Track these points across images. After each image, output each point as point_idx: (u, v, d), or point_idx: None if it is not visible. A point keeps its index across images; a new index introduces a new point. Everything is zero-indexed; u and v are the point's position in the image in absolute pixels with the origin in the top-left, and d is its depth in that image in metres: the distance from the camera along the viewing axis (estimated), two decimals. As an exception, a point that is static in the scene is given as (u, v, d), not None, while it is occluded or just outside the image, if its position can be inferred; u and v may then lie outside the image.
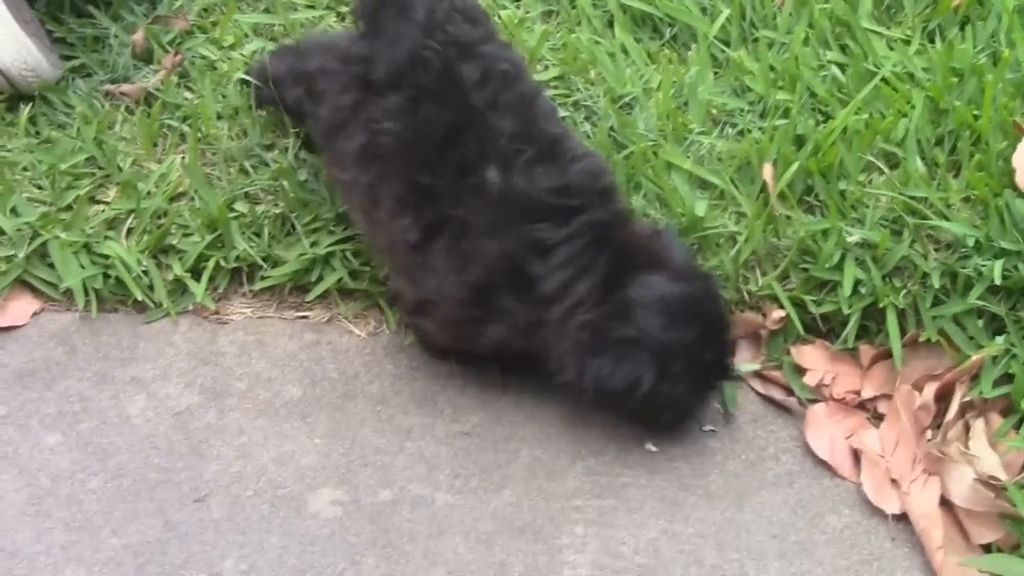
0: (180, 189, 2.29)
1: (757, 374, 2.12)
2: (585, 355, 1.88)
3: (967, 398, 2.00)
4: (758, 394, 2.11)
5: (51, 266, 2.21)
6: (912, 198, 2.12)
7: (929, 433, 2.00)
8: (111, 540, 1.92)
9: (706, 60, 2.42)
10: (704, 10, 2.52)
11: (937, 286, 2.04)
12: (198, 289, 2.20)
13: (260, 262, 2.21)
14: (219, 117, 2.38)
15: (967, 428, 1.99)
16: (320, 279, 2.21)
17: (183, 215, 2.24)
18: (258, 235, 2.23)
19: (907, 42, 2.44)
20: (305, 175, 2.27)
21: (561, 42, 2.48)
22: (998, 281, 1.99)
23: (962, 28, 2.45)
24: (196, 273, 2.22)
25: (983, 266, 2.02)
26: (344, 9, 2.57)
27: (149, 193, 2.27)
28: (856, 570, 1.90)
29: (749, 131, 2.29)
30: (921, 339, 2.05)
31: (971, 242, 2.04)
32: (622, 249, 1.91)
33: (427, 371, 2.13)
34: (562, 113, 2.33)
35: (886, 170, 2.19)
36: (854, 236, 2.08)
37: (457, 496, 1.98)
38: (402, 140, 1.92)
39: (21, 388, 2.11)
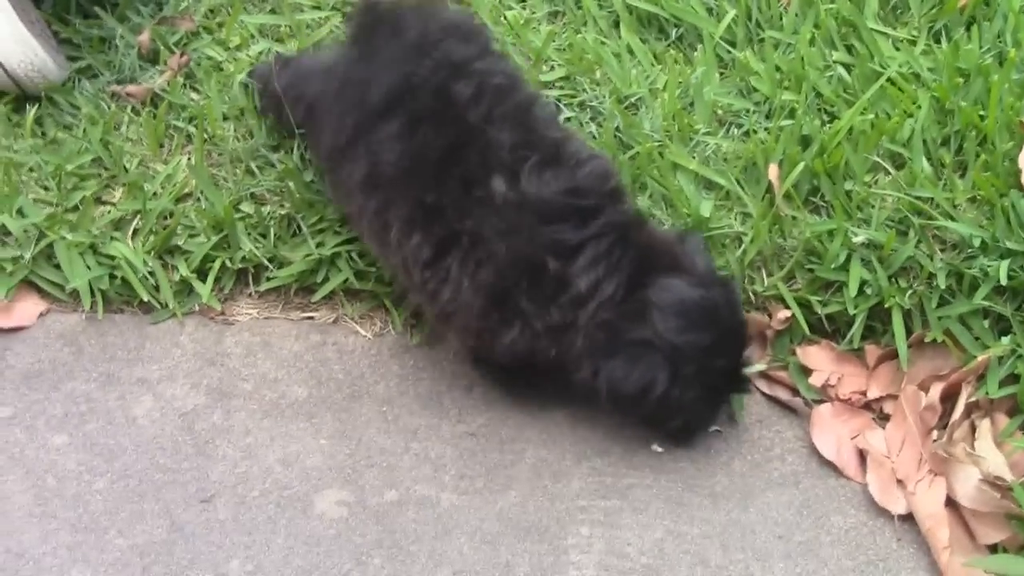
0: (186, 190, 2.29)
1: (763, 374, 2.12)
2: (599, 355, 1.88)
3: (973, 398, 2.00)
4: (764, 394, 2.11)
5: (57, 267, 2.21)
6: (918, 198, 2.12)
7: (935, 433, 2.00)
8: (117, 540, 1.93)
9: (712, 60, 2.42)
10: (710, 10, 2.52)
11: (943, 286, 2.04)
12: (204, 290, 2.20)
13: (266, 263, 2.22)
14: (225, 118, 2.38)
15: (973, 428, 1.99)
16: (326, 280, 2.22)
17: (189, 216, 2.25)
18: (264, 236, 2.23)
19: (913, 42, 2.44)
20: (311, 176, 2.27)
21: (567, 43, 2.48)
22: (1004, 281, 1.99)
23: (968, 28, 2.44)
24: (202, 274, 2.22)
25: (989, 266, 2.02)
26: (350, 11, 2.58)
27: (155, 194, 2.28)
28: (862, 570, 1.90)
29: (755, 131, 2.28)
30: (927, 339, 2.05)
31: (977, 242, 2.04)
32: (645, 251, 1.91)
33: (433, 372, 2.14)
34: (568, 114, 2.33)
35: (892, 170, 2.19)
36: (860, 236, 2.08)
37: (463, 497, 1.98)
38: (402, 166, 1.92)
39: (27, 389, 2.11)
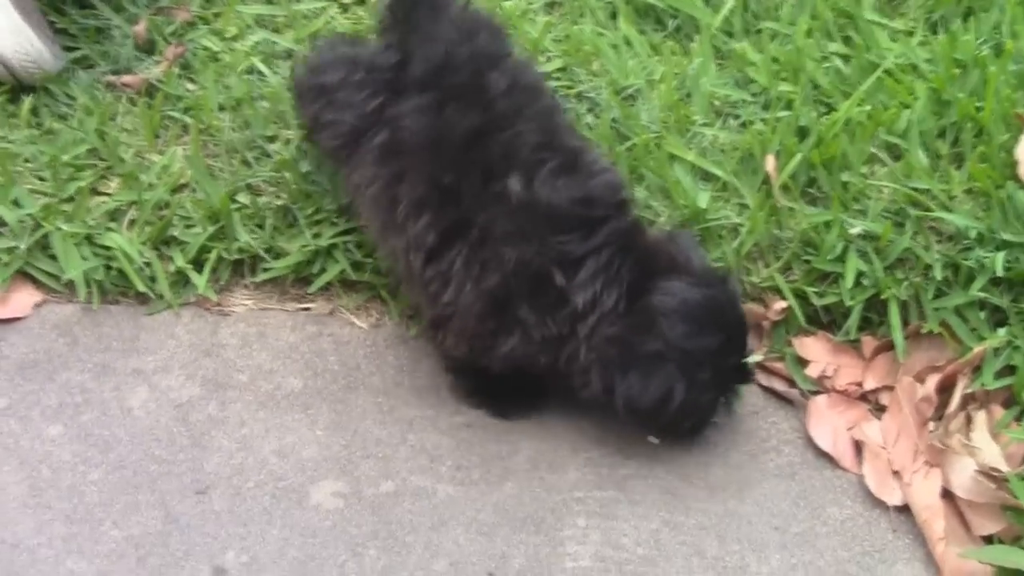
0: (182, 181, 2.29)
1: (759, 366, 2.11)
2: (613, 371, 1.87)
3: (969, 390, 2.00)
4: (760, 386, 2.11)
5: (53, 257, 2.21)
6: (915, 190, 2.12)
7: (931, 425, 2.00)
8: (112, 532, 1.93)
9: (709, 51, 2.42)
10: (707, 1, 2.52)
11: (939, 278, 2.04)
12: (200, 281, 2.20)
13: (262, 254, 2.21)
14: (221, 108, 2.38)
15: (969, 420, 1.99)
16: (322, 271, 2.21)
17: (185, 207, 2.25)
18: (260, 227, 2.23)
19: (910, 33, 2.44)
20: (308, 166, 2.27)
21: (564, 33, 2.48)
22: (1000, 273, 1.99)
23: (965, 19, 2.44)
24: (198, 265, 2.22)
25: (985, 258, 2.02)
26: (347, 0, 2.58)
27: (151, 184, 2.27)
28: (858, 561, 1.90)
29: (752, 123, 2.29)
30: (923, 331, 2.05)
31: (973, 234, 2.04)
32: (643, 256, 1.91)
33: (429, 363, 2.13)
34: (565, 105, 2.33)
35: (889, 162, 2.19)
36: (856, 228, 2.08)
37: (459, 488, 1.98)
38: (426, 136, 1.91)
39: (22, 380, 2.11)
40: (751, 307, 2.12)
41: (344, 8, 2.58)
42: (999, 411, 1.98)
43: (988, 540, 1.88)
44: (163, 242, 2.23)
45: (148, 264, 2.20)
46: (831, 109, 2.29)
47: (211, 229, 2.22)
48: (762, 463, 2.02)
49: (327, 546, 1.91)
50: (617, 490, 1.98)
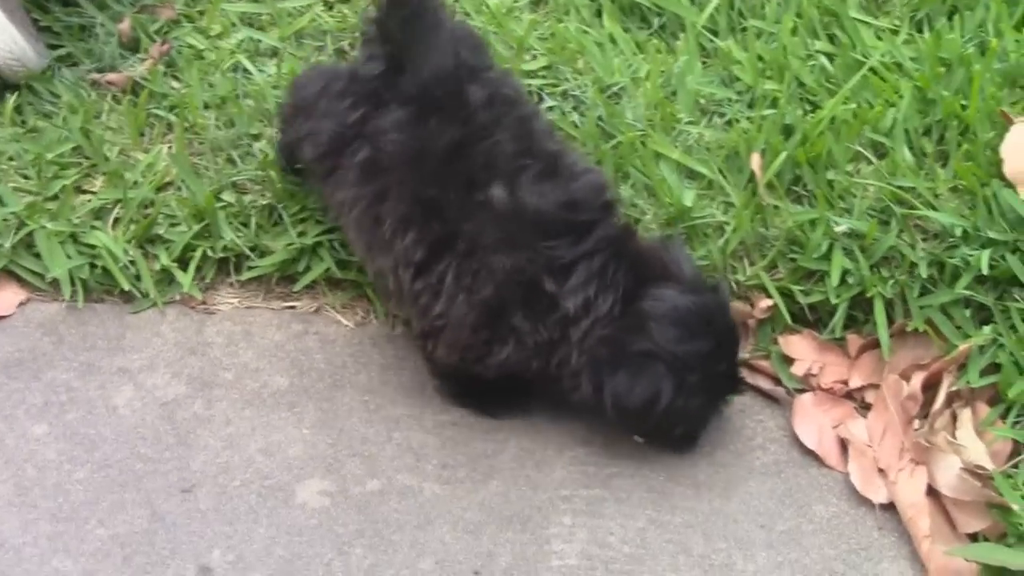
0: (167, 179, 2.28)
1: (745, 364, 2.12)
2: (601, 371, 1.87)
3: (954, 388, 2.00)
4: (745, 384, 2.11)
5: (37, 256, 2.21)
6: (900, 188, 2.12)
7: (916, 423, 2.00)
8: (98, 531, 1.92)
9: (694, 50, 2.42)
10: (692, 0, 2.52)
11: (924, 276, 2.04)
12: (185, 279, 2.20)
13: (247, 252, 2.21)
14: (206, 106, 2.38)
15: (954, 418, 1.99)
16: (307, 269, 2.21)
17: (170, 205, 2.24)
18: (245, 225, 2.23)
19: (895, 32, 2.44)
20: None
21: (549, 31, 2.48)
22: (985, 271, 2.00)
23: (950, 18, 2.44)
24: (183, 263, 2.22)
25: (970, 256, 2.02)
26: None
27: (136, 183, 2.27)
28: (843, 559, 1.90)
29: (737, 121, 2.29)
30: (908, 329, 2.05)
31: (958, 232, 2.05)
32: (636, 262, 1.91)
33: (415, 361, 2.13)
34: (550, 103, 2.33)
35: (874, 160, 2.19)
36: (842, 226, 2.08)
37: (445, 486, 1.98)
38: (408, 151, 1.91)
39: (7, 378, 2.10)
40: (737, 305, 2.12)
41: (329, 6, 2.57)
42: (984, 409, 1.99)
43: (973, 538, 1.88)
44: (148, 240, 2.23)
45: (133, 262, 2.20)
46: (816, 107, 2.29)
47: (196, 227, 2.21)
48: (748, 461, 2.02)
49: (313, 545, 1.91)
50: (603, 488, 1.98)
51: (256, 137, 2.33)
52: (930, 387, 2.02)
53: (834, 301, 2.07)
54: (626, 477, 1.99)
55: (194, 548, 1.91)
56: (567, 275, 1.85)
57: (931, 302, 2.04)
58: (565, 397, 1.95)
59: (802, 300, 2.10)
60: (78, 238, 2.21)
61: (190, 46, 2.50)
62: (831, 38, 2.43)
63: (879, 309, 2.06)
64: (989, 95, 2.21)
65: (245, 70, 2.44)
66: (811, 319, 2.13)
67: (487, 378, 2.00)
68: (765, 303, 2.11)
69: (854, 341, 2.09)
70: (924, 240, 2.09)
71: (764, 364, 2.12)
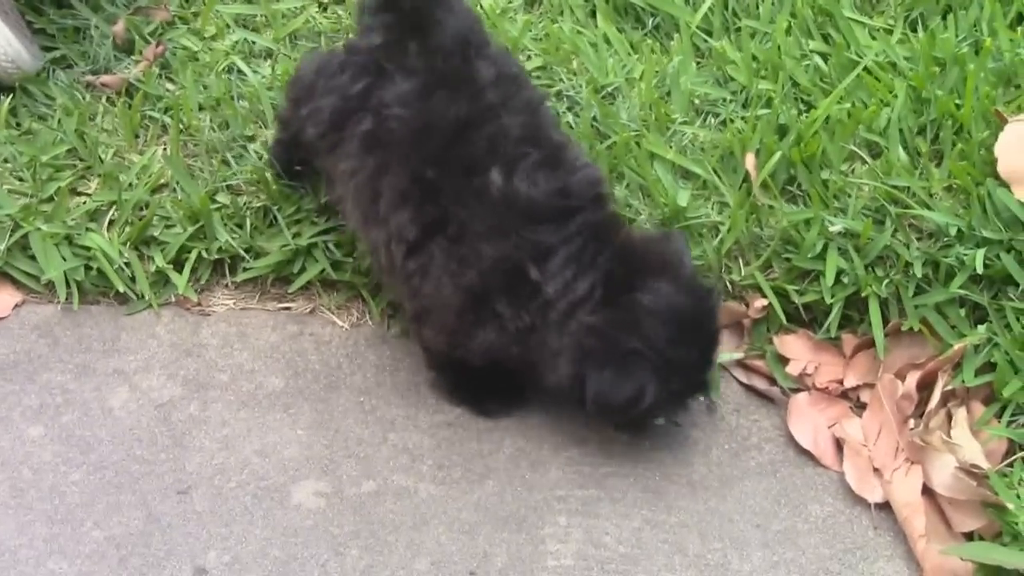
0: (162, 180, 2.28)
1: (740, 363, 2.12)
2: (588, 363, 1.86)
3: (949, 387, 2.00)
4: (741, 384, 2.11)
5: (32, 258, 2.20)
6: (894, 187, 2.12)
7: (911, 422, 2.00)
8: (93, 532, 1.92)
9: (689, 50, 2.42)
10: (686, 0, 2.52)
11: (919, 275, 2.04)
12: (180, 281, 2.20)
13: (242, 253, 2.21)
14: (201, 108, 2.38)
15: (949, 417, 1.99)
16: (302, 270, 2.21)
17: (165, 207, 2.24)
18: (240, 226, 2.23)
19: (889, 31, 2.44)
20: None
21: (543, 32, 2.48)
22: (980, 270, 2.00)
23: (944, 17, 2.44)
24: (178, 265, 2.22)
25: (965, 255, 2.03)
26: (326, 0, 2.57)
27: (131, 185, 2.27)
28: (839, 558, 1.91)
29: (732, 121, 2.29)
30: (903, 328, 2.05)
31: (953, 231, 2.05)
32: (627, 251, 1.90)
33: (410, 362, 2.13)
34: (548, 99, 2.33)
35: (868, 159, 2.20)
36: (836, 226, 2.08)
37: (440, 487, 1.98)
38: (412, 127, 1.90)
39: (3, 380, 2.10)
40: (732, 305, 2.13)
41: (323, 7, 2.57)
42: (979, 408, 1.99)
43: (969, 537, 1.88)
44: (143, 242, 2.22)
45: (128, 264, 2.20)
46: (811, 107, 2.29)
47: (191, 229, 2.21)
48: (743, 461, 2.02)
49: (309, 546, 1.91)
50: (599, 488, 1.98)
51: (251, 139, 2.33)
52: (925, 386, 2.02)
53: (829, 301, 2.07)
54: (621, 477, 1.99)
55: (190, 549, 1.90)
56: (548, 260, 1.85)
57: (926, 301, 2.05)
58: (538, 380, 1.94)
59: (797, 300, 2.10)
60: (73, 240, 2.21)
61: (184, 48, 2.50)
62: (825, 38, 2.43)
63: (874, 308, 2.06)
64: (983, 94, 2.21)
65: (240, 72, 2.44)
66: (806, 319, 2.13)
67: (479, 369, 2.01)
68: (760, 303, 2.11)
69: (849, 341, 2.10)
70: (919, 239, 2.09)
71: (759, 364, 2.12)
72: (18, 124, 2.37)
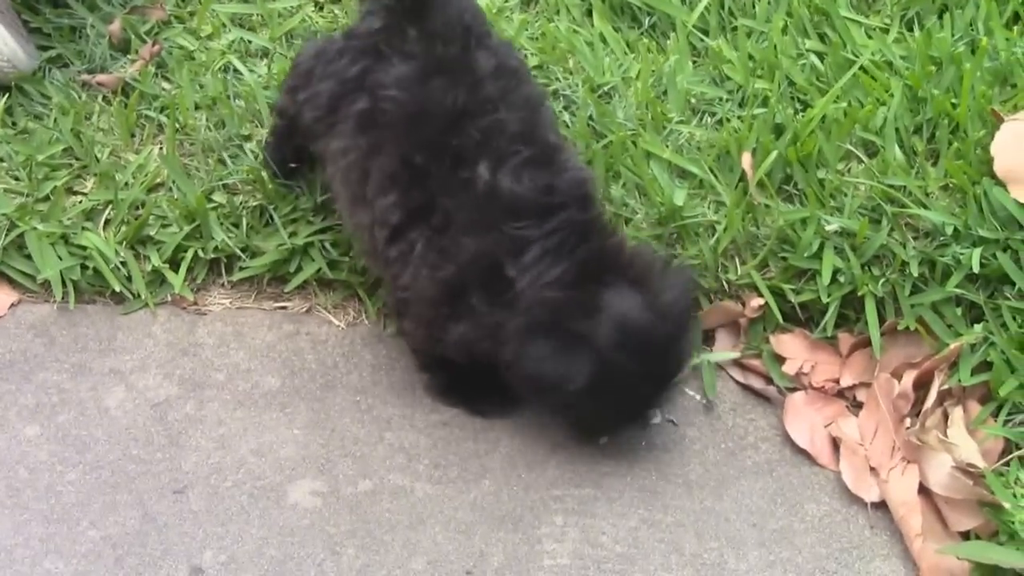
0: (158, 180, 2.28)
1: (736, 363, 2.12)
2: (534, 334, 1.85)
3: (945, 386, 2.00)
4: (737, 383, 2.12)
5: (28, 257, 2.20)
6: (891, 186, 2.12)
7: (908, 421, 2.01)
8: (90, 532, 1.92)
9: (685, 49, 2.42)
10: (683, -1, 2.53)
11: (916, 274, 2.04)
12: (176, 280, 2.19)
13: (238, 253, 2.21)
14: (197, 107, 2.38)
15: (946, 416, 1.99)
16: (299, 270, 2.21)
17: (161, 206, 2.24)
18: (236, 226, 2.23)
19: (885, 30, 2.44)
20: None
21: (540, 31, 2.48)
22: (976, 269, 2.00)
23: (940, 16, 2.45)
24: (174, 264, 2.22)
25: (961, 254, 2.03)
26: (322, -1, 2.58)
27: (127, 184, 2.27)
28: (835, 558, 1.91)
29: (728, 120, 2.29)
30: (900, 327, 2.05)
31: (949, 230, 2.05)
32: (609, 254, 1.89)
33: (406, 361, 2.13)
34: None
35: (865, 159, 2.20)
36: (833, 225, 2.08)
37: (436, 486, 1.98)
38: (407, 110, 1.90)
39: (-1, 380, 2.11)
40: (728, 304, 2.13)
41: (319, 6, 2.57)
42: (976, 407, 1.99)
43: (965, 536, 1.89)
44: (139, 241, 2.22)
45: (124, 263, 2.19)
46: (807, 106, 2.30)
47: (187, 228, 2.21)
48: (740, 460, 2.02)
49: (305, 545, 1.91)
50: (595, 488, 1.98)
51: (247, 138, 2.32)
52: (921, 385, 2.02)
53: (825, 300, 2.07)
54: (618, 476, 1.99)
55: (186, 549, 1.90)
56: (525, 253, 1.85)
57: (922, 300, 2.05)
58: (501, 373, 1.93)
59: (793, 299, 2.10)
60: (69, 239, 2.21)
61: (180, 47, 2.50)
62: (822, 37, 2.43)
63: (870, 308, 2.06)
64: (979, 93, 2.21)
65: (236, 71, 2.44)
66: (802, 318, 2.13)
67: (470, 370, 2.01)
68: (756, 302, 2.11)
69: (845, 340, 2.10)
70: (915, 239, 2.09)
71: (755, 363, 2.12)
72: (14, 123, 2.37)
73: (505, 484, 1.98)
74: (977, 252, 2.01)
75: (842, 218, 2.09)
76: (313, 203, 2.21)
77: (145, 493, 1.96)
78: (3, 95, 2.38)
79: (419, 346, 2.07)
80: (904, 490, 1.94)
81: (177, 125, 2.33)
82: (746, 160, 2.19)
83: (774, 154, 2.16)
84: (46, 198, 2.25)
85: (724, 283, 2.14)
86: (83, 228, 2.22)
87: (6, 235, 2.20)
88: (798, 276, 2.12)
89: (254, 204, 2.24)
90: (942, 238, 2.06)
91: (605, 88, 2.36)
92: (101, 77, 2.44)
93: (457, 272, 1.87)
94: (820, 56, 2.38)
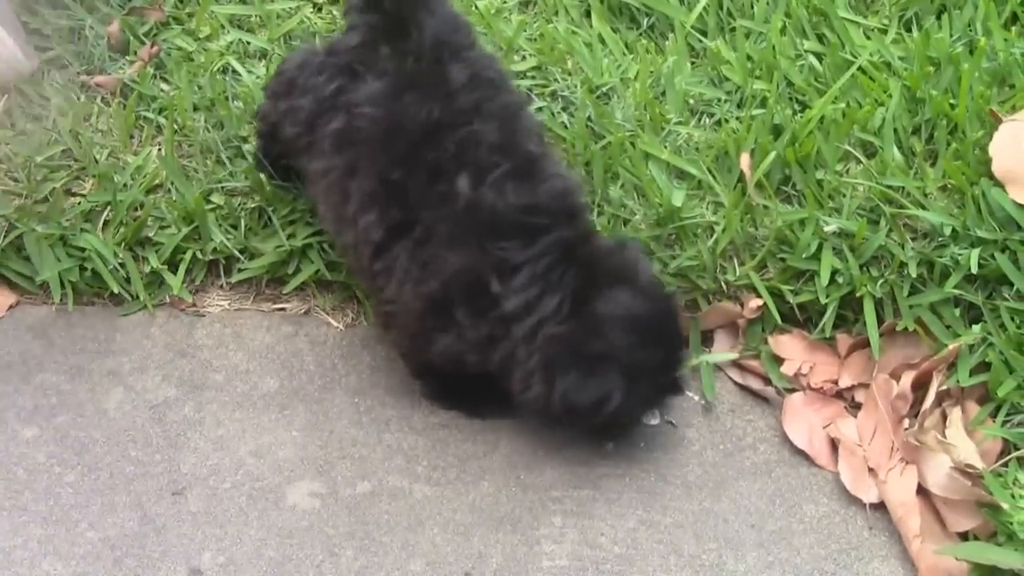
0: (156, 181, 2.28)
1: (735, 363, 2.12)
2: (554, 369, 1.86)
3: (944, 387, 2.00)
4: (736, 384, 2.12)
5: (27, 259, 2.20)
6: (889, 187, 2.12)
7: (906, 422, 2.01)
8: (88, 533, 1.92)
9: (683, 50, 2.42)
10: (681, 0, 2.52)
11: (914, 275, 2.04)
12: (175, 281, 2.19)
13: (237, 254, 2.21)
14: (195, 109, 2.37)
15: (944, 417, 1.99)
16: (297, 271, 2.21)
17: (160, 207, 2.24)
18: (235, 227, 2.23)
19: (884, 31, 2.44)
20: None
21: (538, 32, 2.47)
22: (974, 270, 2.00)
23: (939, 17, 2.45)
24: (173, 265, 2.22)
25: (960, 255, 2.03)
26: (321, 0, 2.57)
27: (125, 185, 2.27)
28: (834, 559, 1.91)
29: (726, 121, 2.29)
30: (898, 328, 2.05)
31: (948, 231, 2.05)
32: (589, 264, 1.89)
33: (404, 363, 2.13)
34: (539, 104, 2.33)
35: (863, 159, 2.20)
36: (831, 226, 2.08)
37: (435, 488, 1.98)
38: (380, 127, 1.90)
39: (-3, 381, 2.11)
40: (727, 305, 2.13)
41: (318, 8, 2.57)
42: (974, 408, 1.99)
43: (964, 537, 1.89)
44: (138, 243, 2.22)
45: (123, 265, 2.20)
46: (805, 107, 2.29)
47: (186, 230, 2.21)
48: (738, 461, 2.02)
49: (304, 547, 1.91)
50: (594, 489, 1.98)
51: (245, 139, 2.32)
52: (920, 386, 2.02)
53: (824, 301, 2.07)
54: (616, 478, 1.99)
55: (185, 550, 1.90)
56: (512, 277, 1.85)
57: (921, 301, 2.05)
58: (515, 396, 1.93)
59: (792, 300, 2.10)
60: (68, 241, 2.21)
61: (179, 48, 2.49)
62: (820, 38, 2.43)
63: (869, 308, 2.06)
64: (978, 94, 2.21)
65: (234, 72, 2.44)
66: (801, 319, 2.13)
67: (460, 376, 2.01)
68: (755, 303, 2.11)
69: (844, 340, 2.10)
70: (913, 239, 2.09)
71: (754, 364, 2.12)
72: (13, 125, 2.37)
73: (504, 485, 1.98)
74: (975, 253, 2.01)
75: (840, 219, 2.09)
76: (311, 204, 2.21)
77: (144, 494, 1.97)
78: (2, 96, 2.38)
79: (408, 355, 2.07)
80: (902, 491, 1.94)
81: (176, 126, 2.33)
82: (744, 161, 2.19)
83: (772, 155, 2.16)
84: (45, 199, 2.25)
85: (723, 284, 2.14)
86: (82, 229, 2.22)
87: (5, 236, 2.20)
88: (796, 277, 2.12)
89: (252, 206, 2.24)
90: (940, 239, 2.06)
91: (604, 89, 2.36)
92: (100, 78, 2.44)
93: (441, 287, 1.87)
94: (818, 57, 2.38)
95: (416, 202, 1.87)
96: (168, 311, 2.21)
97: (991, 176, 2.09)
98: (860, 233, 2.06)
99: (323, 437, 2.04)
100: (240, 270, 2.22)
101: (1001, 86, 2.27)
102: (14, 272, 2.21)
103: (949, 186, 2.13)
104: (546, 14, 2.52)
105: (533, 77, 2.39)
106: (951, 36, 2.37)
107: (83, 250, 2.20)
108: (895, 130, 2.21)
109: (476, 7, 2.48)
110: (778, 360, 2.11)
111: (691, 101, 2.34)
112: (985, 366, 1.99)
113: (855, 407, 2.08)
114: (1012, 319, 2.00)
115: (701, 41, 2.45)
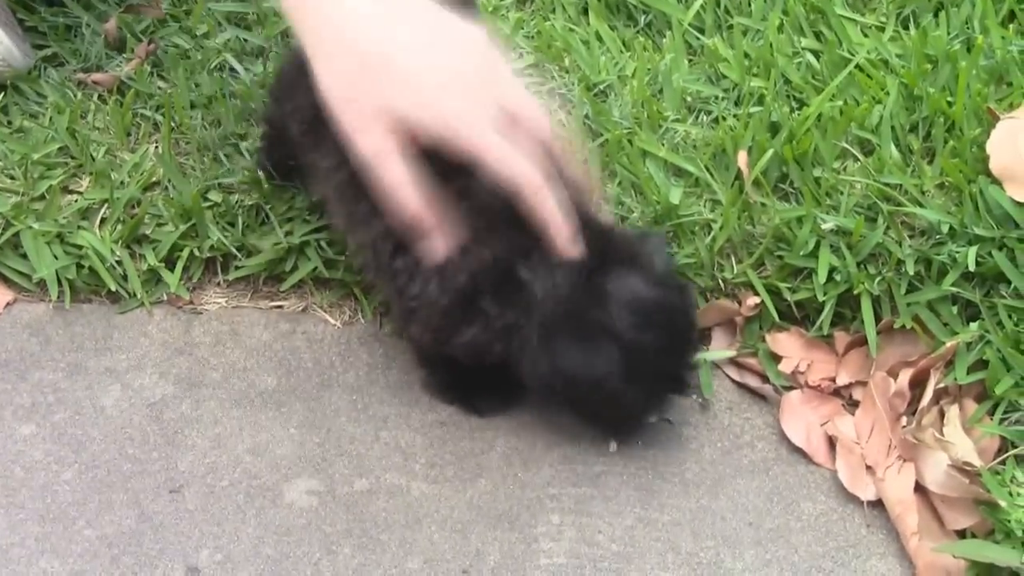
0: (154, 179, 2.28)
1: (732, 361, 2.12)
2: (555, 342, 1.82)
3: (941, 384, 2.00)
4: (733, 381, 2.11)
5: (24, 256, 2.20)
6: (886, 185, 2.12)
7: (904, 420, 2.00)
8: (86, 531, 1.92)
9: (681, 47, 2.42)
10: (678, -3, 2.53)
11: (912, 273, 2.04)
12: (172, 279, 2.19)
13: (234, 252, 2.21)
14: (193, 106, 2.37)
15: (942, 414, 1.99)
16: (295, 268, 2.21)
17: (157, 205, 2.24)
18: (232, 225, 2.22)
19: (881, 28, 2.44)
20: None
21: (535, 29, 2.48)
22: (972, 268, 2.00)
23: (936, 15, 2.45)
24: (170, 263, 2.21)
25: (957, 252, 2.03)
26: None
27: (123, 183, 2.27)
28: (832, 556, 1.91)
29: (724, 118, 2.29)
30: (896, 326, 2.05)
31: (945, 228, 2.05)
32: (602, 248, 1.86)
33: (403, 360, 2.13)
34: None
35: (860, 157, 2.20)
36: (829, 223, 2.08)
37: (433, 485, 1.98)
38: None
39: (-6, 379, 2.10)
40: (724, 303, 2.13)
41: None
42: (972, 406, 1.99)
43: (961, 534, 1.89)
44: (135, 240, 2.22)
45: (120, 263, 2.19)
46: (803, 104, 2.30)
47: (183, 227, 2.21)
48: (736, 459, 2.02)
49: (301, 544, 1.91)
50: (591, 487, 1.98)
51: (243, 137, 2.32)
52: (918, 384, 2.02)
53: (821, 298, 2.07)
54: (614, 475, 1.99)
55: (182, 548, 1.90)
56: (531, 256, 1.82)
57: (918, 299, 2.05)
58: (525, 381, 1.91)
59: (789, 297, 2.10)
60: (65, 238, 2.20)
61: (176, 46, 2.49)
62: (817, 35, 2.44)
63: (866, 306, 2.06)
64: (975, 92, 2.21)
65: (232, 69, 2.44)
66: (798, 316, 2.13)
67: (470, 368, 2.00)
68: (752, 300, 2.11)
69: (841, 338, 2.10)
70: (911, 237, 2.09)
71: (751, 361, 2.12)
72: (9, 122, 2.37)
73: (502, 483, 1.98)
74: (973, 250, 2.01)
75: (838, 216, 2.09)
76: (309, 202, 2.21)
77: (141, 492, 1.96)
78: (-2, 94, 2.39)
79: (428, 349, 2.05)
80: (900, 488, 1.94)
81: (173, 124, 2.33)
82: (742, 158, 2.19)
83: (770, 152, 2.16)
84: (41, 197, 2.25)
85: (720, 282, 2.14)
86: (79, 227, 2.21)
87: (1, 234, 2.19)
88: (794, 274, 2.12)
89: (250, 203, 2.23)
90: (938, 236, 2.06)
91: (601, 86, 2.36)
92: (97, 76, 2.44)
93: (470, 279, 1.84)
94: (816, 54, 2.38)
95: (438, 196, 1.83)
96: (165, 308, 2.20)
97: (988, 174, 2.09)
98: (858, 231, 2.06)
99: (321, 435, 2.04)
100: (237, 267, 2.21)
101: (999, 84, 2.28)
102: (11, 270, 2.20)
103: (946, 184, 2.13)
104: (543, 11, 2.53)
105: (530, 75, 2.39)
106: (948, 34, 2.37)
107: (80, 247, 2.19)
108: (892, 128, 2.21)
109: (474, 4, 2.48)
110: (776, 358, 2.10)
111: (688, 99, 2.35)
112: (983, 364, 1.99)
113: (853, 405, 2.08)
114: (1009, 317, 2.00)
115: (698, 39, 2.46)
